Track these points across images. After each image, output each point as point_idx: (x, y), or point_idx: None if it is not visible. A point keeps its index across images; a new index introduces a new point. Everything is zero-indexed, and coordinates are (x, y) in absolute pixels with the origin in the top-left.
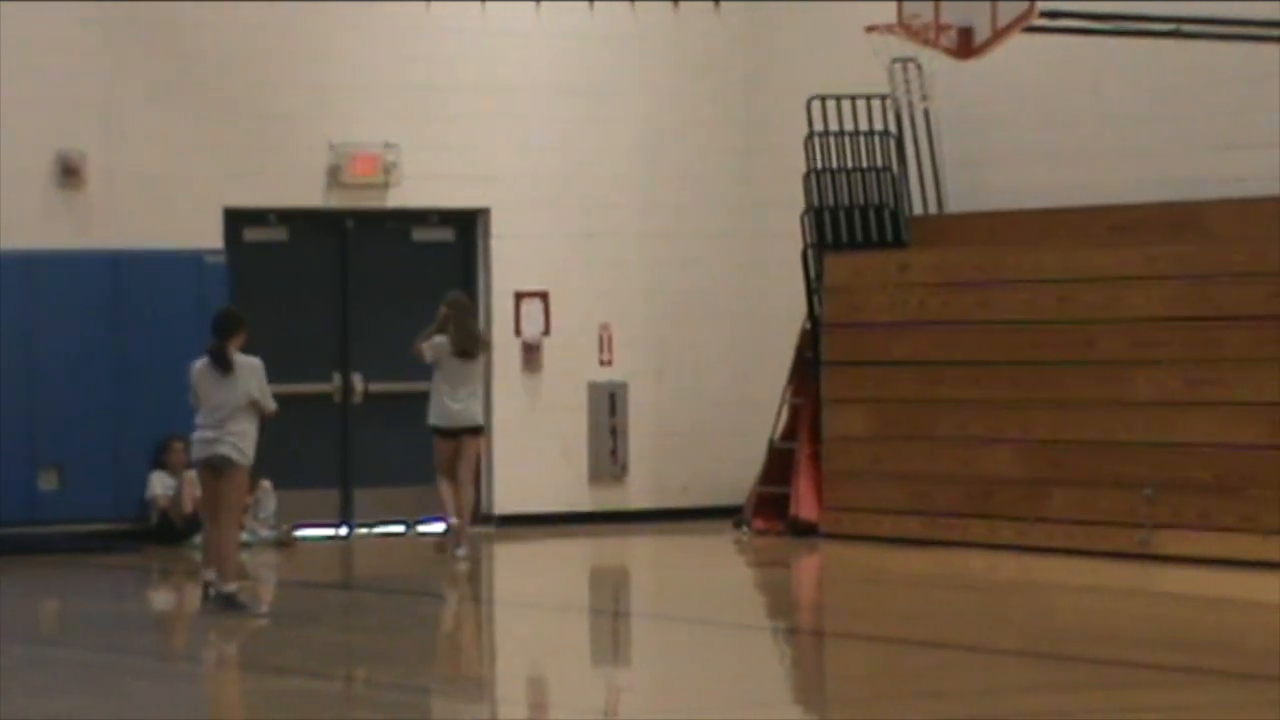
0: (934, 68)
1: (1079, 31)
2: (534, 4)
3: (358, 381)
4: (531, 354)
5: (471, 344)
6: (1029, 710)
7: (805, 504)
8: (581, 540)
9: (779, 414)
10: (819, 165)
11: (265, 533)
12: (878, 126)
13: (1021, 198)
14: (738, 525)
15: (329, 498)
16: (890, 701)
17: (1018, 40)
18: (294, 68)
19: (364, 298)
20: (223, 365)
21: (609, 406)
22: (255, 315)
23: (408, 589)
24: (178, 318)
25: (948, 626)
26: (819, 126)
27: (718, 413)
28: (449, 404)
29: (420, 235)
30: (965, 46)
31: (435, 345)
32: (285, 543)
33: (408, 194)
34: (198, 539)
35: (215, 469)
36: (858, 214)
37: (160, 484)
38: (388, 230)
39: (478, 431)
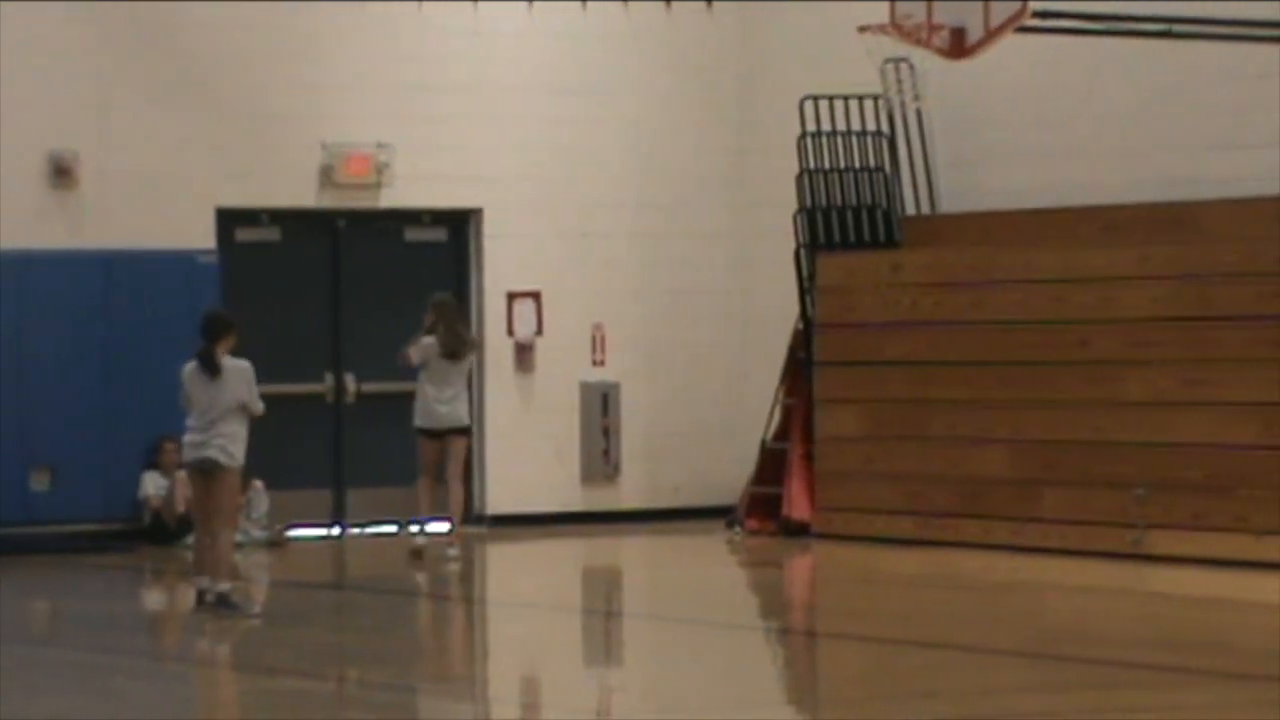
0: (926, 68)
1: (1071, 32)
2: (526, 4)
3: (350, 381)
4: (524, 354)
5: (459, 345)
6: (1022, 710)
7: (798, 504)
8: (574, 540)
9: (771, 414)
10: (811, 165)
11: (258, 533)
12: (870, 127)
13: (1014, 198)
14: (730, 525)
15: (321, 498)
16: (883, 702)
17: (1010, 40)
18: (286, 68)
19: (356, 298)
20: (210, 368)
21: (601, 406)
22: (248, 315)
23: (400, 589)
24: (170, 318)
25: (940, 627)
26: (811, 126)
27: (710, 413)
28: (436, 406)
29: (413, 235)
30: (958, 47)
31: (423, 347)
32: (278, 543)
33: (400, 194)
34: (190, 539)
35: (205, 472)
36: (850, 214)
37: (153, 484)
38: (380, 230)
39: (465, 432)
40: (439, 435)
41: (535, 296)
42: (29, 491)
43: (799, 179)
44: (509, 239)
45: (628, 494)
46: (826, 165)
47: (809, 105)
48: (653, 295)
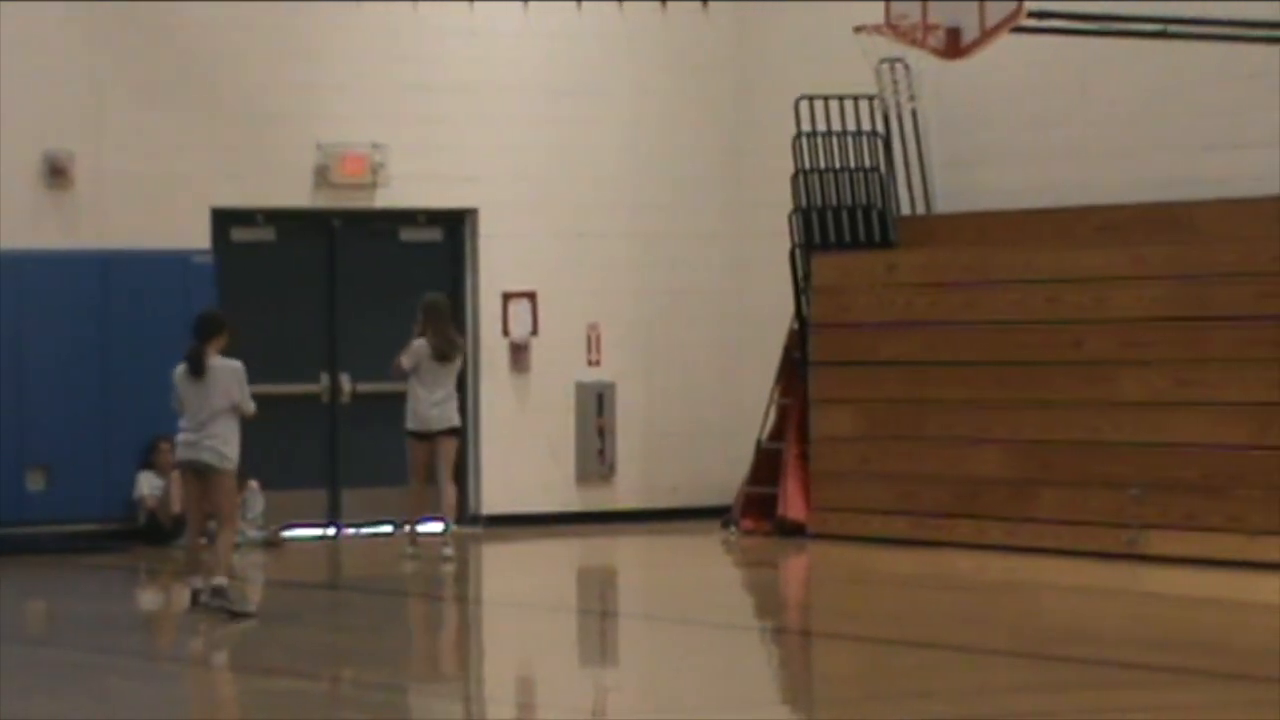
0: (922, 68)
1: (1066, 32)
2: (522, 5)
3: (345, 382)
4: (519, 354)
5: (449, 347)
6: (1017, 710)
7: (793, 504)
8: (569, 540)
9: (767, 414)
10: (807, 165)
11: (253, 533)
12: (865, 127)
13: (1009, 198)
14: (726, 525)
15: (317, 498)
16: (878, 702)
17: (1005, 41)
18: (282, 68)
19: (352, 298)
20: (197, 369)
21: (597, 406)
22: (243, 316)
23: (395, 589)
24: (165, 318)
25: (936, 627)
26: (807, 127)
27: (705, 413)
28: (426, 408)
29: (408, 235)
30: (953, 47)
31: (413, 350)
32: (273, 543)
33: (395, 194)
34: (184, 540)
35: (198, 473)
36: (845, 214)
37: (148, 484)
38: (375, 230)
39: (455, 433)
40: (429, 437)
41: (531, 296)
42: (24, 491)
43: (794, 179)
44: (504, 239)
45: (623, 494)
46: (822, 165)
47: (804, 105)
48: (648, 295)
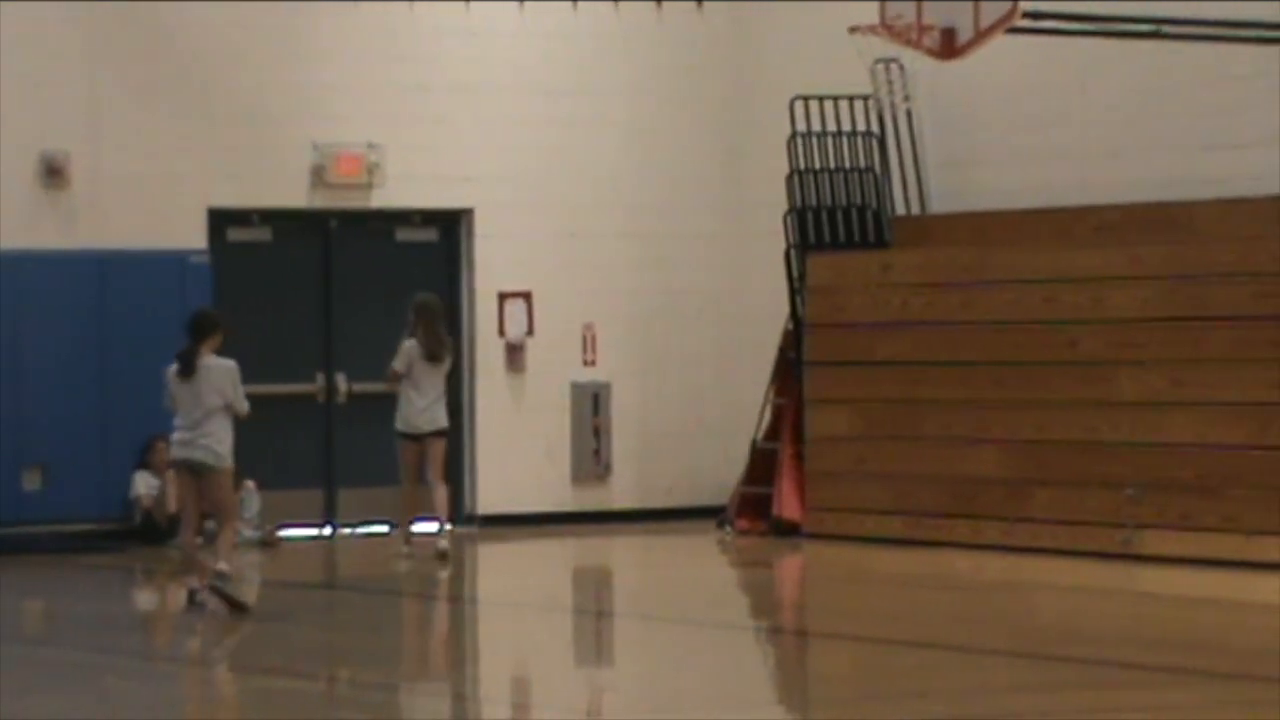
0: (917, 68)
1: (1061, 33)
2: (518, 5)
3: (341, 382)
4: (515, 354)
5: (439, 347)
6: (1014, 710)
7: (788, 504)
8: (565, 540)
9: (762, 414)
10: (802, 166)
11: (250, 533)
12: (861, 127)
13: (1005, 198)
14: (721, 525)
15: (313, 498)
16: (874, 701)
17: (1000, 41)
18: (278, 68)
19: (348, 298)
20: (188, 369)
21: (592, 406)
22: (239, 315)
23: (392, 589)
24: (162, 318)
25: (932, 626)
26: (802, 127)
27: (701, 413)
28: (417, 411)
29: (404, 235)
30: (948, 47)
31: (405, 350)
32: (269, 542)
33: (391, 194)
34: (180, 539)
35: (194, 471)
36: (841, 214)
37: (144, 484)
38: (371, 230)
39: (444, 434)
40: (419, 438)
41: (526, 297)
42: (21, 491)
43: (789, 179)
44: (500, 239)
45: (618, 494)
46: (817, 165)
47: (799, 105)
48: (644, 295)
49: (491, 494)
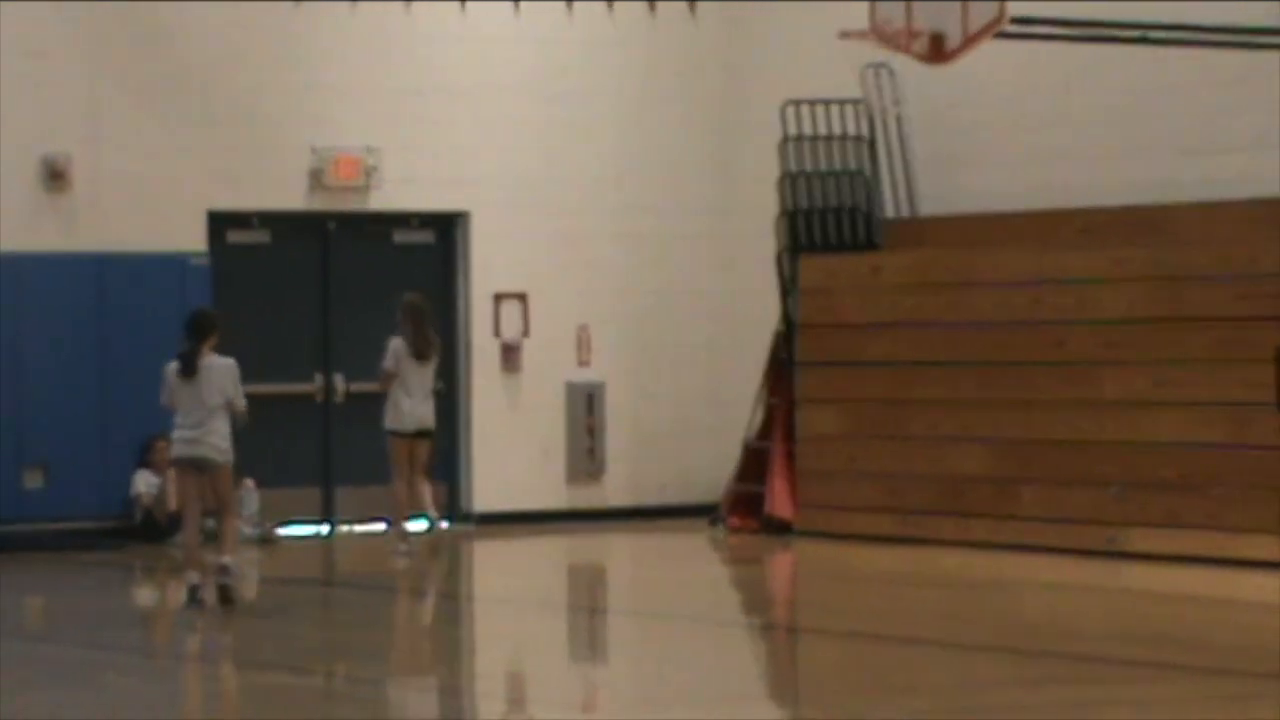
0: (906, 73)
1: (1048, 38)
2: (513, 10)
3: (339, 382)
4: (511, 354)
5: (426, 346)
6: (999, 704)
7: (780, 502)
8: (560, 538)
9: (754, 414)
10: (793, 169)
11: (249, 530)
12: (851, 131)
13: (992, 201)
14: (713, 523)
15: (311, 496)
16: (863, 696)
17: (988, 46)
18: (277, 73)
19: (346, 299)
20: (189, 370)
21: (587, 406)
22: (238, 316)
23: (388, 585)
24: (162, 319)
25: (920, 622)
26: (793, 131)
27: (694, 412)
28: (407, 410)
29: (401, 237)
30: (937, 52)
31: (394, 349)
32: (268, 540)
33: (389, 197)
34: (180, 537)
35: (198, 468)
36: (831, 217)
37: (144, 482)
38: (369, 233)
39: (430, 434)
40: (409, 436)
41: (522, 298)
42: (23, 489)
43: (781, 182)
44: (496, 241)
45: (612, 492)
46: (808, 168)
47: (790, 110)
48: (637, 296)
49: (487, 492)
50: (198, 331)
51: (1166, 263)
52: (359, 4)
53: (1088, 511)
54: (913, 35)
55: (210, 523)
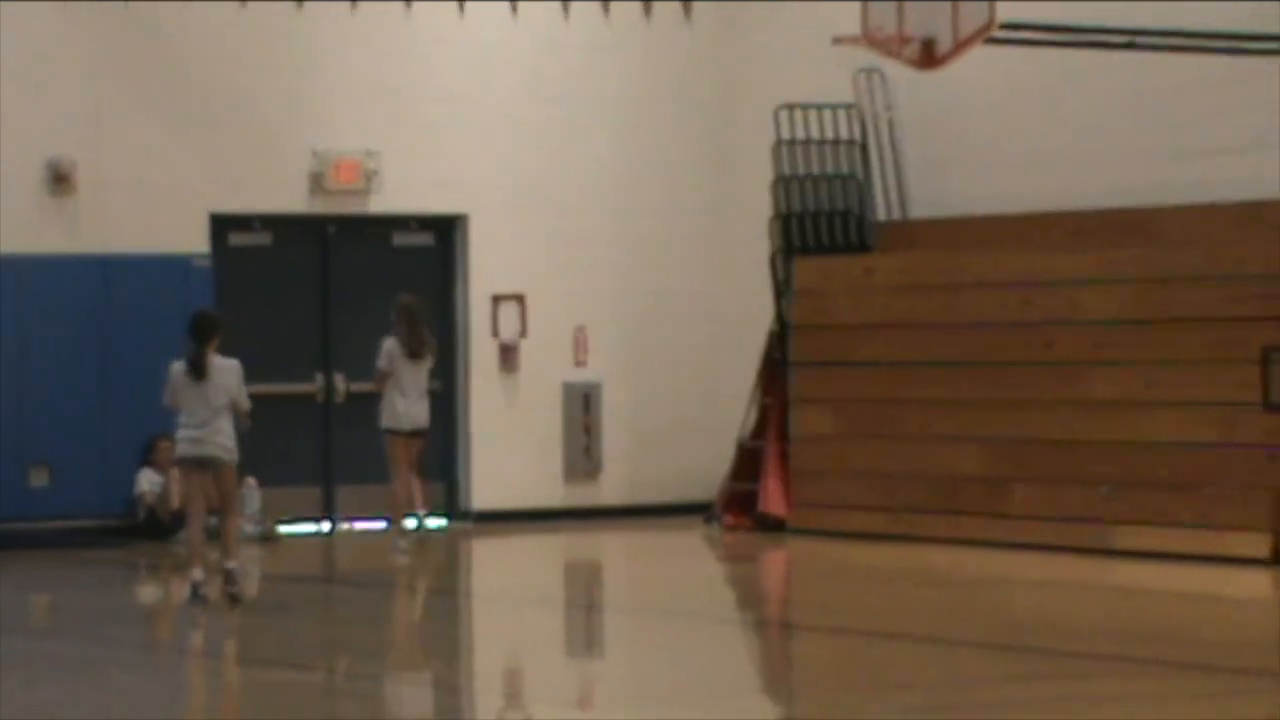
0: (898, 78)
1: (1037, 44)
2: (510, 14)
3: (340, 382)
4: (508, 355)
5: (419, 345)
6: (991, 700)
7: (774, 500)
8: (557, 535)
9: (748, 413)
10: (786, 172)
11: (251, 528)
12: (843, 135)
13: (983, 204)
14: (708, 521)
15: (312, 494)
16: (856, 692)
17: (979, 51)
18: (278, 78)
19: (346, 301)
20: (199, 372)
21: (583, 406)
22: (240, 318)
23: (388, 583)
24: (165, 320)
25: (912, 619)
26: (786, 134)
27: (689, 412)
28: (403, 409)
29: (400, 240)
30: (928, 57)
31: (387, 349)
32: (270, 538)
33: (388, 200)
34: (184, 534)
35: (205, 467)
36: (824, 219)
37: (147, 481)
38: (369, 235)
39: (424, 434)
40: (405, 435)
41: (519, 299)
42: (28, 488)
43: (774, 185)
44: (494, 243)
45: (609, 490)
46: (801, 172)
47: (784, 114)
48: (633, 298)
49: (486, 490)
50: (202, 333)
51: (1155, 264)
52: (359, 9)
53: (1079, 510)
54: (904, 41)
55: (213, 520)
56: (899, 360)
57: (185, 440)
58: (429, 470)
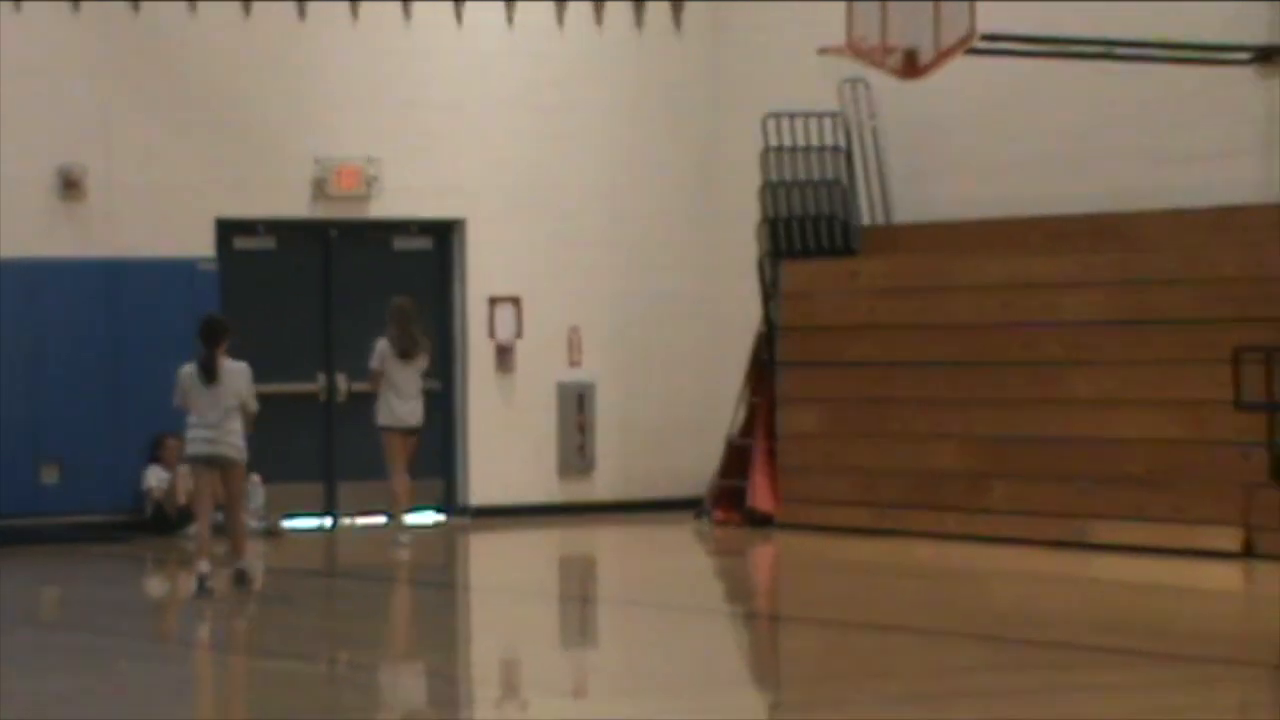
0: (882, 87)
1: (1017, 54)
2: (506, 27)
3: (341, 381)
4: (505, 355)
5: (410, 345)
6: (970, 688)
7: (761, 496)
8: (552, 530)
9: (737, 412)
10: (774, 178)
11: (255, 523)
12: (829, 142)
13: (964, 209)
14: (698, 516)
15: (314, 490)
16: (841, 681)
17: (960, 61)
18: (282, 87)
19: (347, 303)
20: (210, 375)
21: (577, 405)
22: (245, 320)
23: (388, 576)
24: (172, 322)
25: (895, 611)
26: (774, 142)
27: (679, 411)
28: (399, 407)
29: (400, 244)
30: (910, 67)
31: (379, 350)
32: (274, 532)
33: (388, 205)
34: (192, 529)
35: (217, 465)
36: (810, 224)
37: (155, 477)
38: (369, 239)
39: (418, 431)
40: (400, 433)
41: (515, 301)
42: (39, 484)
43: (762, 191)
44: (490, 247)
45: (602, 487)
46: (788, 178)
47: (771, 122)
48: (626, 300)
49: (483, 487)
50: (212, 338)
51: (1131, 268)
52: (360, 20)
53: (1056, 505)
54: (888, 51)
55: (218, 516)
56: (883, 360)
57: (198, 440)
58: (428, 467)
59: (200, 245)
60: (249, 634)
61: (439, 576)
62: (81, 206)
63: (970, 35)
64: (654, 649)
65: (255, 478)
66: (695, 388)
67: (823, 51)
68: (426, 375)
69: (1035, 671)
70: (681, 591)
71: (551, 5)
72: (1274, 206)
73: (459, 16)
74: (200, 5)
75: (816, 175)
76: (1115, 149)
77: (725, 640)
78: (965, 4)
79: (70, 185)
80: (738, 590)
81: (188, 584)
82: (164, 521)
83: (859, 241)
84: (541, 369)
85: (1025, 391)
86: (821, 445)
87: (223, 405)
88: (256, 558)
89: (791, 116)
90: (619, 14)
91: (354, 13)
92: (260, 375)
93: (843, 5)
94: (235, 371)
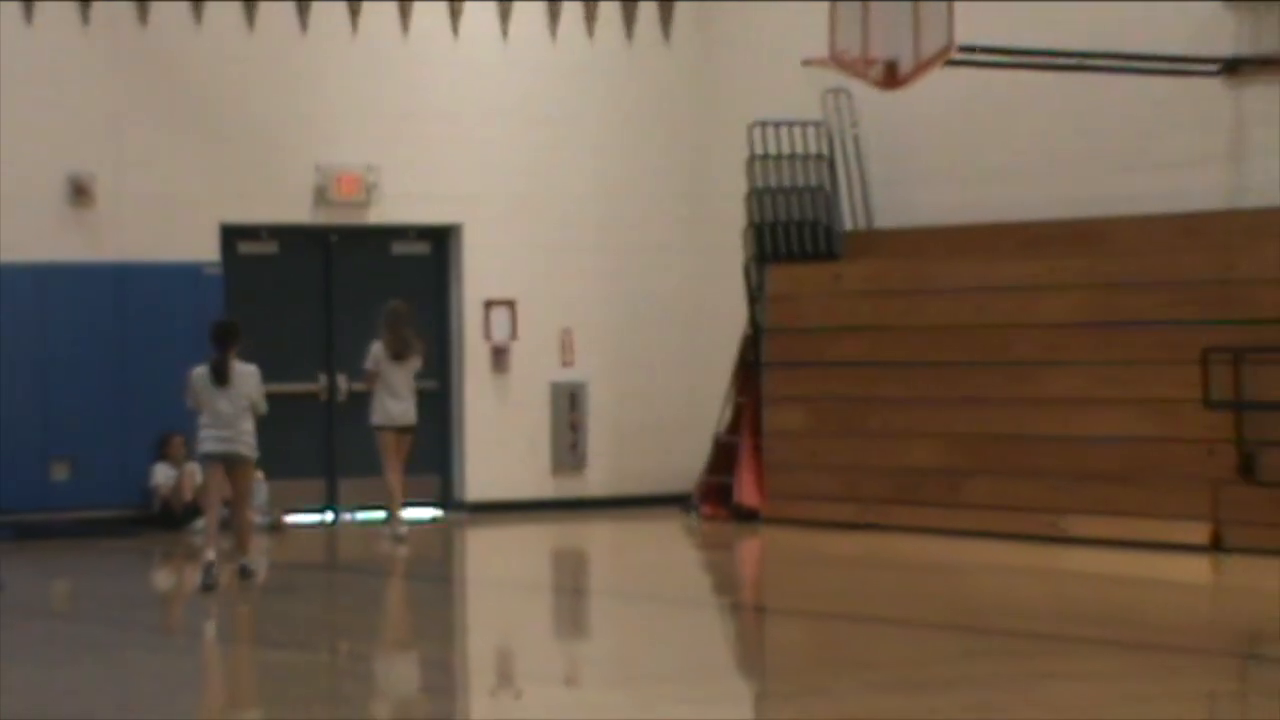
0: (863, 97)
1: (993, 65)
2: (501, 39)
3: (342, 381)
4: (500, 356)
5: (403, 347)
6: (950, 676)
7: (748, 492)
8: (545, 525)
9: (724, 411)
10: (759, 185)
11: (259, 519)
12: (813, 150)
13: (942, 214)
14: (687, 511)
15: (316, 486)
16: (825, 669)
17: (938, 72)
18: (284, 97)
19: (347, 305)
20: (221, 378)
21: (570, 404)
22: (248, 322)
23: (387, 570)
24: (178, 324)
25: (877, 602)
26: (759, 150)
27: (669, 409)
28: (393, 407)
29: (399, 249)
30: (891, 78)
31: (373, 352)
32: (277, 527)
33: (387, 211)
34: (199, 524)
35: (229, 463)
36: (795, 229)
37: (162, 474)
38: (369, 244)
39: (413, 430)
40: (394, 432)
41: (510, 304)
42: (49, 481)
43: (748, 197)
44: (486, 252)
45: (594, 483)
46: (773, 185)
47: (757, 130)
48: (617, 303)
49: (479, 483)
50: (224, 341)
51: (1103, 271)
52: (359, 33)
53: (1032, 500)
54: (869, 63)
55: (224, 511)
56: (865, 361)
57: (212, 439)
58: (425, 464)
59: (205, 250)
60: (253, 625)
61: (436, 570)
62: (90, 212)
63: (949, 47)
64: (644, 639)
65: (259, 474)
66: (684, 387)
67: (807, 63)
68: (423, 376)
69: (1011, 660)
70: (671, 584)
71: (545, 18)
72: (1241, 212)
73: (455, 29)
74: (206, 18)
75: (801, 182)
76: (1087, 157)
77: (713, 631)
78: (944, 17)
79: (80, 192)
80: (725, 583)
81: (194, 577)
82: (170, 517)
83: (841, 246)
84: (535, 369)
85: (1001, 391)
86: (805, 443)
87: (235, 406)
88: (260, 553)
89: (777, 125)
90: (610, 27)
91: (354, 26)
92: (264, 375)
93: (826, 19)
94: (246, 374)
